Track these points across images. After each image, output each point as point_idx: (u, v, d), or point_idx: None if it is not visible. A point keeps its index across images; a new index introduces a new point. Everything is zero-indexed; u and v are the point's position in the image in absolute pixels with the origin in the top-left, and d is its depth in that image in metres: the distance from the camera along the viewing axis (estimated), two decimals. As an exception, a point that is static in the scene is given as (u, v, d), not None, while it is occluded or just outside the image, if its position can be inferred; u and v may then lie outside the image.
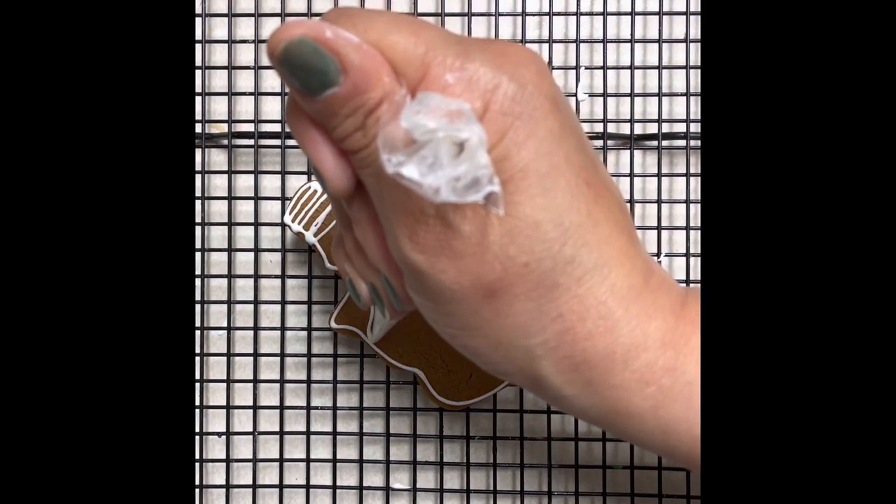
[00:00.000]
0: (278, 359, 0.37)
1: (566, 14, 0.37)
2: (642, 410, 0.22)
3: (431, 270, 0.20)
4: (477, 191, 0.17)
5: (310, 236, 0.35)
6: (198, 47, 0.37)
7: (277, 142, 0.37)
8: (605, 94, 0.36)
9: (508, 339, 0.21)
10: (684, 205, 0.37)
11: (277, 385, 0.37)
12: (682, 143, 0.36)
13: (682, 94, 0.37)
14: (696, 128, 0.36)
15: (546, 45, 0.37)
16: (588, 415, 0.23)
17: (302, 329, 0.37)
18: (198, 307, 0.37)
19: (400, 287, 0.23)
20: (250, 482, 0.37)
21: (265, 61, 0.37)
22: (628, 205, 0.36)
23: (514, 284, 0.20)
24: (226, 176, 0.37)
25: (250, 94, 0.37)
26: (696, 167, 0.37)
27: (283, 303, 0.37)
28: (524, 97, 0.19)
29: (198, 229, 0.37)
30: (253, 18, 0.37)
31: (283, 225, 0.37)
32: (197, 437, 0.37)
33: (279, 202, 0.37)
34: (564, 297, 0.20)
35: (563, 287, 0.20)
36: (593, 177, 0.21)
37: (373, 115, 0.19)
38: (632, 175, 0.36)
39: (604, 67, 0.36)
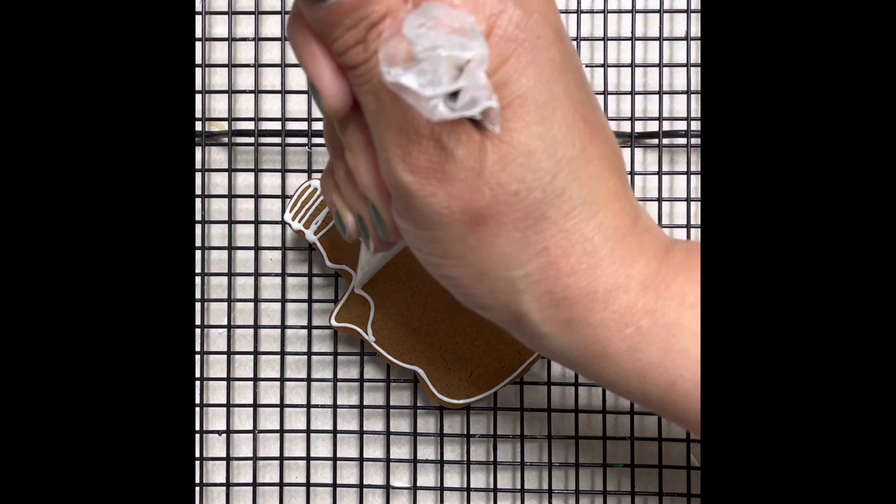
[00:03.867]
0: (278, 357, 0.37)
1: (567, 12, 0.37)
2: (619, 351, 0.22)
3: (421, 193, 0.20)
4: (474, 107, 0.17)
5: (310, 234, 0.34)
6: (198, 45, 0.37)
7: (277, 140, 0.37)
8: (605, 92, 0.36)
9: (492, 270, 0.21)
10: (685, 203, 0.37)
11: (277, 383, 0.37)
12: (683, 140, 0.36)
13: (682, 92, 0.37)
14: (696, 126, 0.36)
15: (546, 43, 0.37)
16: (565, 355, 0.22)
17: (302, 327, 0.37)
18: (198, 305, 0.37)
19: (387, 215, 0.22)
20: (250, 480, 0.37)
21: (265, 59, 0.37)
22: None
23: (503, 213, 0.20)
24: (226, 174, 0.37)
25: (250, 91, 0.37)
26: (696, 165, 0.37)
27: (284, 301, 0.37)
28: (529, 24, 0.19)
29: (198, 227, 0.37)
30: (253, 16, 0.37)
31: (283, 223, 0.37)
32: (197, 436, 0.37)
33: (279, 200, 0.37)
34: (551, 230, 0.20)
35: (551, 220, 0.20)
36: (590, 114, 0.21)
37: (375, 28, 0.18)
38: (632, 173, 0.36)
39: (604, 65, 0.36)
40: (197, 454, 0.37)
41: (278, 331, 0.37)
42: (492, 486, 0.36)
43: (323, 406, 0.37)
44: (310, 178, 0.36)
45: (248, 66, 0.37)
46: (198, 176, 0.37)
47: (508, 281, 0.21)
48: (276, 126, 0.37)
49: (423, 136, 0.19)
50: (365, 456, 0.37)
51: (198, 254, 0.37)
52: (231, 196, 0.37)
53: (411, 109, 0.19)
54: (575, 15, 0.36)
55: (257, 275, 0.37)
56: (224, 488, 0.37)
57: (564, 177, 0.20)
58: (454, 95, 0.17)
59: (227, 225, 0.37)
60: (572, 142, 0.20)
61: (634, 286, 0.21)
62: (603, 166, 0.21)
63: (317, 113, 0.37)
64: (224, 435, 0.37)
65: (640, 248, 0.22)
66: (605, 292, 0.21)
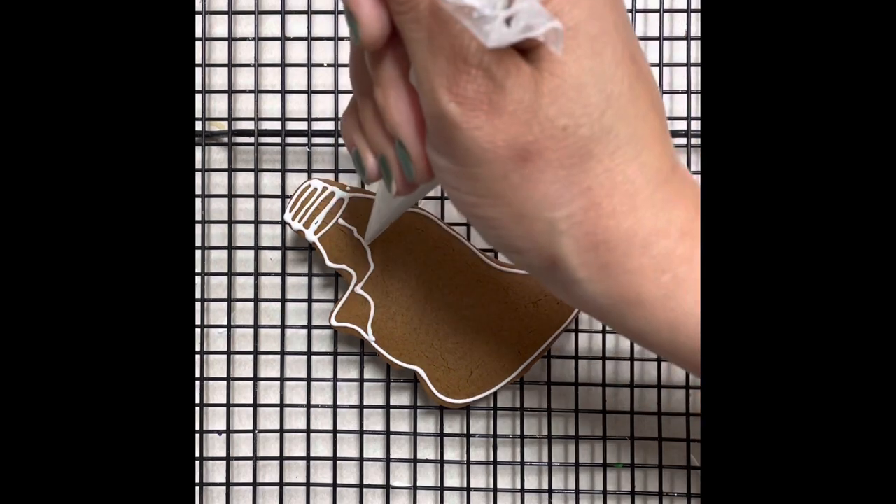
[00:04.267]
0: (278, 357, 0.37)
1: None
2: (654, 299, 0.21)
3: (466, 125, 0.19)
4: (532, 31, 0.17)
5: (310, 234, 0.34)
6: (198, 45, 0.37)
7: (277, 139, 0.37)
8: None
9: (532, 211, 0.20)
10: (685, 203, 0.37)
11: (277, 383, 0.37)
12: (683, 140, 0.36)
13: (682, 92, 0.37)
14: (696, 125, 0.36)
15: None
16: (597, 303, 0.22)
17: (302, 327, 0.37)
18: (198, 305, 0.37)
19: (418, 153, 0.22)
20: (250, 480, 0.37)
21: (265, 59, 0.37)
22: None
23: (549, 149, 0.19)
24: (226, 174, 0.37)
25: (250, 91, 0.37)
26: (696, 165, 0.37)
27: (284, 301, 0.37)
28: None
29: (198, 227, 0.37)
30: (253, 16, 0.37)
31: (283, 223, 0.37)
32: (197, 435, 0.37)
33: (279, 200, 0.37)
34: (597, 168, 0.20)
35: (597, 158, 0.20)
36: (637, 52, 0.20)
37: None
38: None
39: (604, 65, 0.36)
40: (197, 454, 0.37)
41: (278, 331, 0.37)
42: (492, 486, 0.36)
43: (323, 406, 0.37)
44: (310, 177, 0.36)
45: (248, 65, 0.37)
46: (198, 176, 0.37)
47: (548, 222, 0.20)
48: (276, 126, 0.37)
49: (472, 65, 0.18)
50: (365, 456, 0.37)
51: (198, 253, 0.37)
52: (231, 196, 0.37)
53: (459, 37, 0.18)
54: (575, 15, 0.36)
55: (257, 274, 0.37)
56: (224, 488, 0.37)
57: (613, 113, 0.19)
58: (507, 21, 0.17)
59: (226, 225, 0.37)
60: (621, 79, 0.20)
61: (674, 232, 0.21)
62: (648, 106, 0.20)
63: (317, 113, 0.37)
64: (224, 435, 0.37)
65: (680, 194, 0.21)
66: (644, 236, 0.20)
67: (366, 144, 0.24)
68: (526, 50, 0.19)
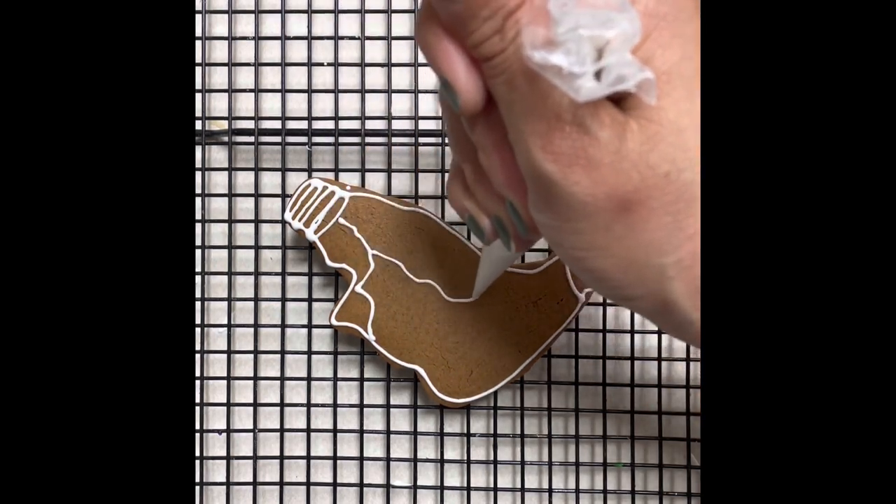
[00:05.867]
0: (279, 356, 0.37)
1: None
2: None
3: (565, 182, 0.19)
4: (623, 83, 0.16)
5: (310, 233, 0.34)
6: (198, 44, 0.37)
7: (278, 139, 0.37)
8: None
9: (640, 259, 0.20)
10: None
11: (278, 382, 0.37)
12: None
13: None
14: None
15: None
16: None
17: (302, 326, 0.37)
18: (198, 304, 0.37)
19: (525, 211, 0.22)
20: (251, 479, 0.37)
21: (266, 58, 0.37)
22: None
23: (652, 197, 0.19)
24: (226, 173, 0.37)
25: (250, 90, 0.37)
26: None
27: (284, 300, 0.37)
28: None
29: (198, 226, 0.37)
30: (253, 15, 0.37)
31: (283, 222, 0.37)
32: (197, 435, 0.37)
33: (279, 199, 0.37)
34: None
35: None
36: None
37: (512, 17, 0.18)
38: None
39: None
40: (197, 453, 0.37)
41: (278, 330, 0.37)
42: (492, 486, 0.36)
43: (323, 405, 0.37)
44: (310, 177, 0.36)
45: (248, 65, 0.37)
46: (198, 175, 0.37)
47: (658, 269, 0.20)
48: (277, 125, 0.37)
49: (565, 121, 0.18)
50: (365, 455, 0.37)
51: (198, 253, 0.37)
52: (231, 195, 0.37)
53: (550, 96, 0.18)
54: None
55: (257, 274, 0.37)
56: (224, 487, 0.37)
57: None
58: (597, 75, 0.17)
59: (227, 224, 0.37)
60: None
61: None
62: None
63: (317, 112, 0.37)
64: (224, 434, 0.37)
65: None
66: None
67: (478, 208, 0.24)
68: (621, 98, 0.19)
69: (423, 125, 0.37)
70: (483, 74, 0.20)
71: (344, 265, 0.35)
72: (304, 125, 0.37)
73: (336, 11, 0.37)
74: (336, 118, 0.37)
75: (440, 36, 0.20)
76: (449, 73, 0.20)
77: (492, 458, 0.36)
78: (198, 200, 0.37)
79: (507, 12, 0.18)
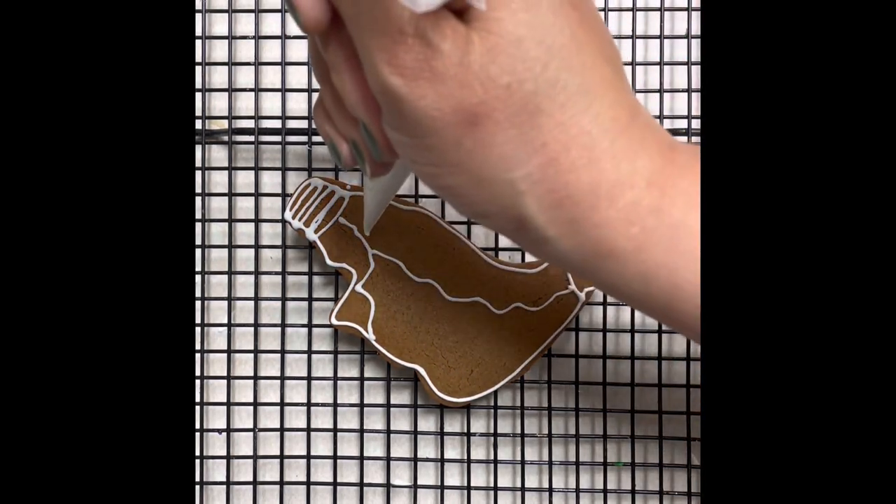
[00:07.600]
0: (279, 355, 0.37)
1: (567, 10, 0.37)
2: (625, 252, 0.21)
3: (411, 96, 0.19)
4: None
5: (310, 233, 0.34)
6: (198, 43, 0.37)
7: (278, 138, 0.37)
8: (606, 91, 0.36)
9: (491, 174, 0.20)
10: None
11: (278, 382, 0.37)
12: (684, 139, 0.36)
13: (683, 91, 0.37)
14: (697, 124, 0.36)
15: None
16: (569, 260, 0.22)
17: (302, 326, 0.37)
18: (198, 303, 0.37)
19: (378, 130, 0.22)
20: (251, 479, 0.37)
21: (265, 57, 0.37)
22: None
23: (496, 109, 0.19)
24: (226, 172, 0.37)
25: (250, 90, 0.37)
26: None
27: (284, 299, 0.37)
28: None
29: (198, 225, 0.37)
30: (253, 14, 0.37)
31: (283, 221, 0.37)
32: (197, 434, 0.37)
33: (279, 199, 0.37)
34: (548, 124, 0.20)
35: (547, 113, 0.19)
36: (579, 0, 0.20)
37: None
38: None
39: (605, 63, 0.36)
40: (197, 452, 0.37)
41: (278, 329, 0.37)
42: (492, 485, 0.36)
43: (323, 405, 0.37)
44: (310, 176, 0.36)
45: (248, 64, 0.37)
46: (198, 174, 0.37)
47: (508, 183, 0.20)
48: (277, 124, 0.37)
49: (408, 34, 0.18)
50: (365, 454, 0.37)
51: (198, 252, 0.37)
52: (231, 194, 0.37)
53: (392, 8, 0.18)
54: (575, 13, 0.36)
55: (258, 273, 0.37)
56: (224, 486, 0.37)
57: (556, 65, 0.19)
58: None
59: (227, 223, 0.37)
60: (561, 29, 0.19)
61: (638, 182, 0.20)
62: (595, 53, 0.20)
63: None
64: (224, 433, 0.37)
65: (642, 143, 0.21)
66: (608, 188, 0.20)
67: (336, 132, 0.24)
68: (461, 11, 0.19)
69: (424, 124, 0.37)
70: None
71: (344, 265, 0.35)
72: (304, 124, 0.37)
73: (336, 11, 0.37)
74: (336, 117, 0.37)
75: None
76: None
77: (492, 457, 0.36)
78: (198, 200, 0.37)
79: None
